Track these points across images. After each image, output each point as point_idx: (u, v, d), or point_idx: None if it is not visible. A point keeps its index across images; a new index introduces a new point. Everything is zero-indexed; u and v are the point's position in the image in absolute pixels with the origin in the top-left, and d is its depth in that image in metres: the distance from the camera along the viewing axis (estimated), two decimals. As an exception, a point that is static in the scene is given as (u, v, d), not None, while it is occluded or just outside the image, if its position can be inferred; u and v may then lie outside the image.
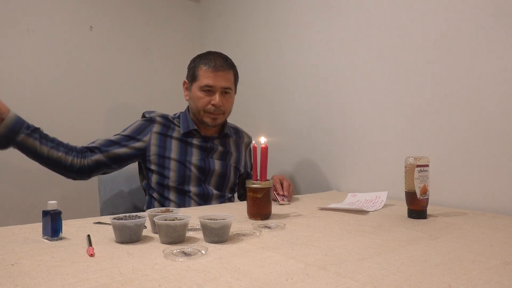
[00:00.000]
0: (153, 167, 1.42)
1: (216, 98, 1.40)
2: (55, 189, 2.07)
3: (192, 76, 1.45)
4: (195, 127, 1.45)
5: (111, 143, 1.38)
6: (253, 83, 2.22)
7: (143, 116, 1.48)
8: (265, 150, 1.12)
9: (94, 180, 1.53)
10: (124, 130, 1.43)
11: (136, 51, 2.40)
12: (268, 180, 1.10)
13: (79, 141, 2.19)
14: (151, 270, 0.64)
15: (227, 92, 1.44)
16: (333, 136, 1.76)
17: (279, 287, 0.57)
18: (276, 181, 1.42)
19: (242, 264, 0.67)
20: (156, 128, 1.43)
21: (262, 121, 2.16)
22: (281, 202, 1.35)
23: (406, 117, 1.47)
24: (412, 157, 1.08)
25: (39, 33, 2.06)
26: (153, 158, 1.41)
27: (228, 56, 1.48)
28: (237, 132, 1.63)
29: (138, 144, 1.40)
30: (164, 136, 1.43)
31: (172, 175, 1.40)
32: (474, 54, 1.27)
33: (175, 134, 1.45)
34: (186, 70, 1.50)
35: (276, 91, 2.07)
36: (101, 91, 2.27)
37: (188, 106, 1.52)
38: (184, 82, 1.51)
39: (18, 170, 1.99)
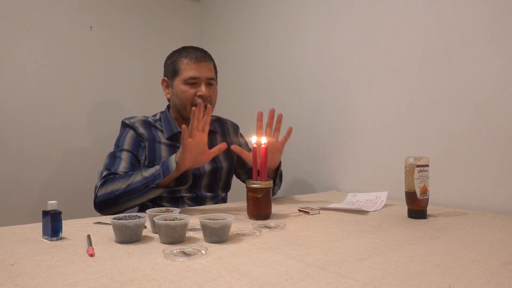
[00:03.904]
0: None
1: (203, 89, 1.36)
2: (55, 189, 2.07)
3: (173, 72, 1.40)
4: (179, 129, 1.40)
5: (134, 162, 1.33)
6: (253, 83, 2.22)
7: (125, 124, 1.41)
8: (265, 150, 1.12)
9: (94, 180, 1.53)
10: (120, 145, 1.36)
11: (136, 51, 2.40)
12: (268, 180, 1.10)
13: (77, 141, 2.22)
14: (151, 270, 0.64)
15: (211, 83, 1.41)
16: (333, 136, 1.76)
17: (279, 287, 0.57)
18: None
19: (242, 264, 0.67)
20: (143, 136, 1.37)
21: (263, 121, 2.15)
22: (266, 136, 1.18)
23: (406, 117, 1.47)
24: (412, 157, 1.08)
25: (39, 33, 2.06)
26: None
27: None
28: (221, 122, 1.58)
29: (143, 157, 1.37)
30: (151, 143, 1.37)
31: None
32: (474, 54, 1.27)
33: (160, 140, 1.40)
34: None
35: (276, 91, 2.07)
36: (101, 91, 2.27)
37: (167, 106, 1.47)
38: (163, 80, 1.45)
39: (18, 170, 1.99)
